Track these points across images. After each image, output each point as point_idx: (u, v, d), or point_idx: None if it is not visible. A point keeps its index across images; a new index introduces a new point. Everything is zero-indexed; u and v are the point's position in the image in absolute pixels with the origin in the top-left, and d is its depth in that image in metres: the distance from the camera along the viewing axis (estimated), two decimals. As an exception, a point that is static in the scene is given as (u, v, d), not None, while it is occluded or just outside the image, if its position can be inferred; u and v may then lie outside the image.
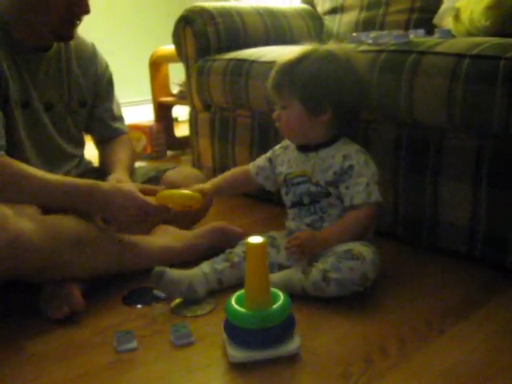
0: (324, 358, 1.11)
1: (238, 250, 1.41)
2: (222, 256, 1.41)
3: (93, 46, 1.69)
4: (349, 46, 1.51)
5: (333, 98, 1.33)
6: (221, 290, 1.35)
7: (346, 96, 1.34)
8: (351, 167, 1.34)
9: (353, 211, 1.35)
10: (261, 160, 1.56)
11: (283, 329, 1.11)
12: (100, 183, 1.39)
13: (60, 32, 1.44)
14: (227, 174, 1.61)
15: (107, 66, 1.73)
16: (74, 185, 1.36)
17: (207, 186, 1.52)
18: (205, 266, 1.38)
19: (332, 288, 1.26)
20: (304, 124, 1.37)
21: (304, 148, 1.43)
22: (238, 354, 1.09)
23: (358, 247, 1.29)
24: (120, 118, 1.78)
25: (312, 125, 1.37)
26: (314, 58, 1.34)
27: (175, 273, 1.33)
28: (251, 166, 1.58)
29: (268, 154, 1.55)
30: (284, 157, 1.48)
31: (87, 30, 1.73)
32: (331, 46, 1.43)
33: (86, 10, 1.43)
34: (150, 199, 1.40)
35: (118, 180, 1.52)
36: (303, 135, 1.40)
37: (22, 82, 1.43)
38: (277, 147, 1.53)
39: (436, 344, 1.14)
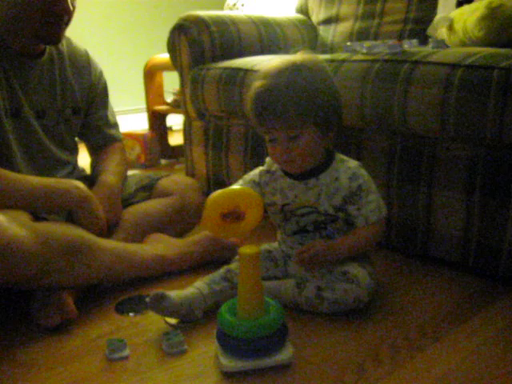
0: (317, 366, 1.10)
1: (236, 267, 1.33)
2: (220, 273, 1.33)
3: (86, 53, 1.69)
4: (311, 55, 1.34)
5: (338, 110, 1.27)
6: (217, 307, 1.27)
7: (340, 106, 1.29)
8: (360, 187, 1.27)
9: (368, 225, 1.29)
10: (244, 184, 1.37)
11: (275, 338, 1.10)
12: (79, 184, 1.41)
13: (44, 34, 1.42)
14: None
15: (101, 74, 1.73)
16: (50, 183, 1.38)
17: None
18: (202, 286, 1.30)
19: (325, 306, 1.26)
20: (318, 147, 1.26)
21: (299, 175, 1.30)
22: (229, 363, 1.08)
23: (355, 269, 1.26)
24: (115, 125, 1.78)
25: (322, 145, 1.27)
26: (305, 72, 1.21)
27: (174, 296, 1.24)
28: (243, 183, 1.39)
29: (254, 178, 1.38)
30: (274, 184, 1.34)
31: (82, 37, 1.74)
32: (298, 57, 1.26)
33: (66, 9, 1.40)
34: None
35: (105, 182, 1.53)
36: (314, 159, 1.28)
37: (11, 90, 1.43)
38: (262, 172, 1.38)
39: (429, 352, 1.14)
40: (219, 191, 1.21)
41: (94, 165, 1.73)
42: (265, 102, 1.20)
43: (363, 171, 1.30)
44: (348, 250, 1.29)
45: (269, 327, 1.09)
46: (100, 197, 1.49)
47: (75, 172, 1.66)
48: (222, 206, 1.19)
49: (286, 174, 1.33)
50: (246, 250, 1.08)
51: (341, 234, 1.32)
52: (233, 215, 1.19)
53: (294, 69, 1.21)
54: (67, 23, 1.45)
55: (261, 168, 1.39)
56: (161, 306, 1.23)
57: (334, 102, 1.25)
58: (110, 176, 1.60)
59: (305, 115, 1.19)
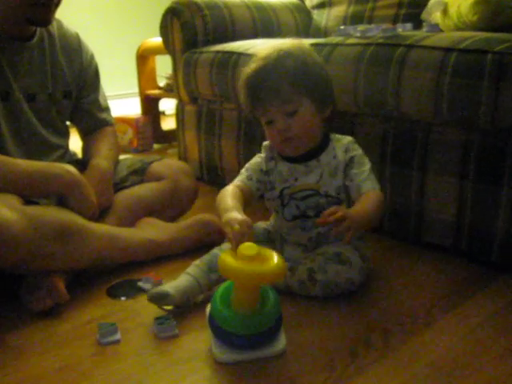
0: (309, 351, 1.10)
1: (227, 247, 1.27)
2: (215, 257, 1.29)
3: (77, 36, 1.67)
4: (304, 41, 1.38)
5: (332, 88, 1.29)
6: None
7: (331, 85, 1.30)
8: (352, 159, 1.28)
9: (367, 192, 1.24)
10: (254, 174, 1.34)
11: (271, 333, 1.09)
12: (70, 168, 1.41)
13: (34, 16, 1.39)
14: (235, 198, 1.25)
15: (92, 57, 1.71)
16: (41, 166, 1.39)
17: (245, 218, 1.15)
18: (200, 275, 1.27)
19: (317, 289, 1.26)
20: (316, 124, 1.27)
21: (299, 157, 1.30)
22: (223, 355, 1.08)
23: (348, 252, 1.27)
24: (106, 109, 1.76)
25: (319, 123, 1.28)
26: (298, 51, 1.23)
27: (175, 293, 1.22)
28: (248, 183, 1.33)
29: (263, 167, 1.34)
30: (274, 170, 1.34)
31: (73, 21, 1.71)
32: (286, 42, 1.27)
33: None
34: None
35: (97, 166, 1.54)
36: (313, 139, 1.28)
37: (1, 73, 1.41)
38: (267, 158, 1.34)
39: (421, 336, 1.14)
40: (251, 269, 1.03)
41: (86, 149, 1.72)
42: (257, 80, 1.22)
43: (356, 146, 1.31)
44: (367, 216, 1.19)
45: (264, 323, 1.08)
46: (91, 181, 1.47)
47: (66, 156, 1.65)
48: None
49: (285, 158, 1.32)
50: (245, 250, 1.02)
51: None
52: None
53: (283, 51, 1.23)
54: (57, 4, 1.42)
55: (262, 155, 1.37)
56: (162, 303, 1.24)
57: (326, 79, 1.26)
58: (101, 160, 1.59)
59: (299, 87, 1.20)
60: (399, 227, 1.59)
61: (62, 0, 1.43)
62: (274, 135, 1.26)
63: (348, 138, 1.33)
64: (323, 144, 1.31)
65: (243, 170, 1.37)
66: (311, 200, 1.30)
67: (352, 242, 1.28)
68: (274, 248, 1.33)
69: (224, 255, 1.06)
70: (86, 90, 1.68)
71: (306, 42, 1.47)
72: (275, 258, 1.04)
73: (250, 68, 1.25)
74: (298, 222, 1.33)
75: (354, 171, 1.27)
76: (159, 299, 1.23)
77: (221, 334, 1.09)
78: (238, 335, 1.07)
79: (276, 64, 1.21)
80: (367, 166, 1.29)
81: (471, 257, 1.46)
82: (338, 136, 1.34)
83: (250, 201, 1.34)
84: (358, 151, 1.30)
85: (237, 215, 1.14)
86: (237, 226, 1.10)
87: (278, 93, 1.20)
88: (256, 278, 1.03)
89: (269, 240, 1.39)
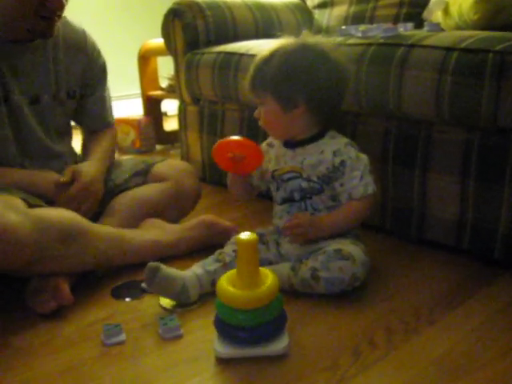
0: (312, 350, 1.11)
1: (228, 249, 1.37)
2: (212, 257, 1.37)
3: (84, 33, 1.64)
4: (325, 39, 1.45)
5: (305, 91, 1.29)
6: (213, 291, 1.24)
7: (319, 88, 1.29)
8: (343, 163, 1.31)
9: (352, 201, 1.33)
10: None
11: (273, 327, 1.10)
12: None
13: (37, 29, 1.40)
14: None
15: (99, 54, 1.69)
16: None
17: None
18: (196, 268, 1.33)
19: (321, 286, 1.26)
20: (281, 120, 1.34)
21: (291, 144, 1.38)
22: (225, 350, 1.08)
23: (348, 247, 1.28)
24: (110, 109, 1.76)
25: (289, 120, 1.33)
26: (284, 51, 1.30)
27: (170, 270, 1.28)
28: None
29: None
30: (270, 154, 1.43)
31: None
32: (307, 38, 1.37)
33: (60, 5, 1.38)
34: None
35: (94, 161, 1.59)
36: (284, 131, 1.37)
37: (0, 76, 1.41)
38: (263, 144, 1.47)
39: (424, 335, 1.14)
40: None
41: (83, 149, 1.72)
42: (250, 69, 1.37)
43: (351, 149, 1.34)
44: (331, 225, 1.34)
45: (266, 315, 1.08)
46: (91, 171, 1.53)
47: (68, 163, 1.63)
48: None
49: (284, 143, 1.40)
50: (244, 237, 1.07)
51: (328, 208, 1.36)
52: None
53: (276, 48, 1.33)
54: (59, 16, 1.42)
55: (265, 142, 1.48)
56: (155, 278, 1.25)
57: (311, 83, 1.29)
58: (99, 156, 1.61)
59: (263, 86, 1.32)
60: (401, 226, 1.59)
61: (63, 11, 1.43)
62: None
63: (342, 140, 1.36)
64: (314, 137, 1.36)
65: None
66: (295, 182, 1.37)
67: (348, 238, 1.34)
68: (268, 250, 1.40)
69: (222, 281, 1.11)
70: (90, 87, 1.66)
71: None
72: (269, 278, 1.10)
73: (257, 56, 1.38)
74: (286, 207, 1.40)
75: (345, 177, 1.32)
76: (151, 272, 1.26)
77: (223, 327, 1.10)
78: (238, 327, 1.08)
79: (265, 60, 1.33)
80: (360, 169, 1.32)
81: (474, 255, 1.46)
82: (334, 134, 1.37)
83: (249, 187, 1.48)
84: (350, 154, 1.32)
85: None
86: None
87: (253, 86, 1.36)
88: (252, 303, 1.08)
89: (262, 242, 1.39)
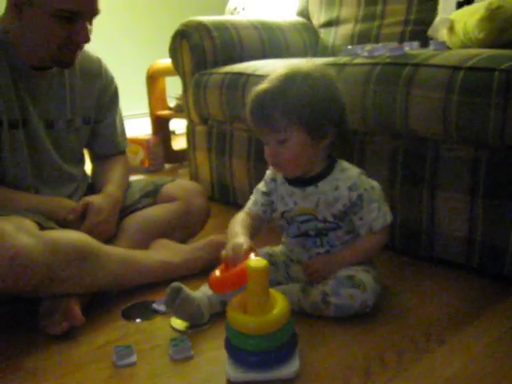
0: (323, 370, 1.11)
1: None
2: None
3: (99, 61, 1.67)
4: (317, 62, 1.40)
5: (332, 117, 1.23)
6: (223, 311, 1.22)
7: (342, 113, 1.26)
8: (360, 197, 1.27)
9: (372, 235, 1.30)
10: (258, 197, 1.39)
11: (284, 351, 1.09)
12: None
13: (59, 58, 1.41)
14: (243, 225, 1.31)
15: (112, 80, 1.71)
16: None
17: (247, 242, 1.19)
18: (206, 289, 1.31)
19: (331, 311, 1.26)
20: (308, 153, 1.25)
21: (299, 182, 1.31)
22: (236, 374, 1.08)
23: (359, 274, 1.27)
24: (122, 134, 1.77)
25: (314, 153, 1.25)
26: (300, 79, 1.21)
27: (189, 291, 1.27)
28: (254, 209, 1.38)
29: (263, 189, 1.38)
30: (277, 191, 1.36)
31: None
32: (303, 64, 1.28)
33: (86, 39, 1.40)
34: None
35: (110, 193, 1.57)
36: (305, 166, 1.28)
37: (19, 101, 1.42)
38: (267, 180, 1.38)
39: (435, 354, 1.14)
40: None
41: (97, 174, 1.73)
42: (255, 105, 1.24)
43: (364, 179, 1.29)
44: (349, 260, 1.31)
45: (277, 340, 1.08)
46: (106, 207, 1.52)
47: (81, 186, 1.66)
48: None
49: (287, 180, 1.33)
50: (255, 264, 1.05)
51: (344, 243, 1.33)
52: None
53: (290, 74, 1.22)
54: (82, 48, 1.45)
55: (266, 175, 1.39)
56: (177, 299, 1.24)
57: (328, 108, 1.22)
58: (115, 189, 1.62)
59: (289, 117, 1.19)
60: (411, 244, 1.60)
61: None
62: (267, 156, 1.28)
63: (355, 171, 1.30)
64: (325, 172, 1.30)
65: (253, 193, 1.42)
66: (310, 224, 1.32)
67: (361, 264, 1.31)
68: (278, 271, 1.38)
69: (232, 305, 1.11)
70: (103, 111, 1.68)
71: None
72: (280, 303, 1.10)
73: (255, 90, 1.25)
74: (300, 240, 1.36)
75: (364, 210, 1.28)
76: (174, 292, 1.24)
77: (234, 351, 1.10)
78: (249, 352, 1.08)
79: (276, 90, 1.21)
80: (376, 200, 1.29)
81: (483, 273, 1.46)
82: (345, 166, 1.31)
83: (261, 224, 1.39)
84: (365, 186, 1.28)
85: (237, 240, 1.19)
86: (229, 252, 1.17)
87: (269, 120, 1.21)
88: (263, 329, 1.07)
89: (271, 263, 1.34)
